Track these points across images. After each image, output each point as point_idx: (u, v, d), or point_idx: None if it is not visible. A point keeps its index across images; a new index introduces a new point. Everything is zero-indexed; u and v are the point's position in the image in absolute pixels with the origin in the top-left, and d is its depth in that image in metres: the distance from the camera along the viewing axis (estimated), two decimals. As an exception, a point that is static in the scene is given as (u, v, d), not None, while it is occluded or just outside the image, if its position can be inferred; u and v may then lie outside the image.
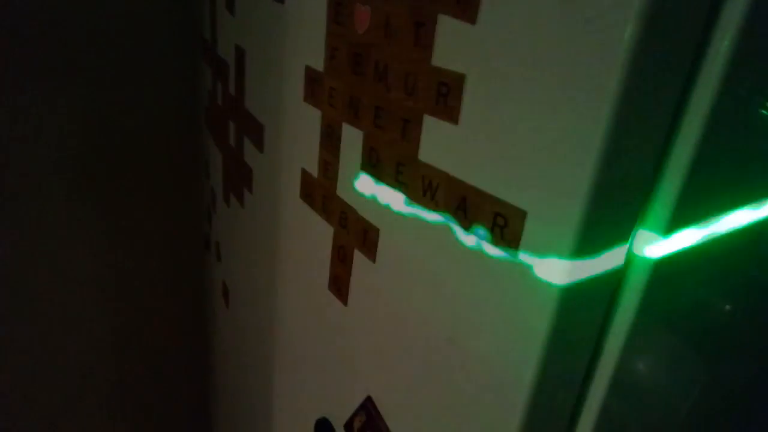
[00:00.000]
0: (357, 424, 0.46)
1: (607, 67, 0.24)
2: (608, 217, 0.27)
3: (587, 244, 0.27)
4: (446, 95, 0.33)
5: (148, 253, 1.19)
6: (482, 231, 0.31)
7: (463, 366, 0.35)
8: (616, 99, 0.24)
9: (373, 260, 0.43)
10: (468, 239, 0.32)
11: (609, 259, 0.29)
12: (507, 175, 0.30)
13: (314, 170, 0.53)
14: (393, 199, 0.40)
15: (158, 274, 1.22)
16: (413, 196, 0.37)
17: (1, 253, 1.02)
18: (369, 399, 0.46)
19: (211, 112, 0.99)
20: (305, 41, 0.51)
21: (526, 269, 0.29)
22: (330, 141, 0.49)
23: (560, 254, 0.27)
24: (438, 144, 0.35)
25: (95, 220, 1.09)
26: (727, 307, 0.37)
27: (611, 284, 0.30)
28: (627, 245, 0.29)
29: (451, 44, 0.33)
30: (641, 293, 0.29)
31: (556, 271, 0.27)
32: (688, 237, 0.30)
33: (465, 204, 0.32)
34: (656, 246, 0.29)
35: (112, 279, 1.16)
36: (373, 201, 0.43)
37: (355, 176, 0.45)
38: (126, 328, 1.21)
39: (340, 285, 0.49)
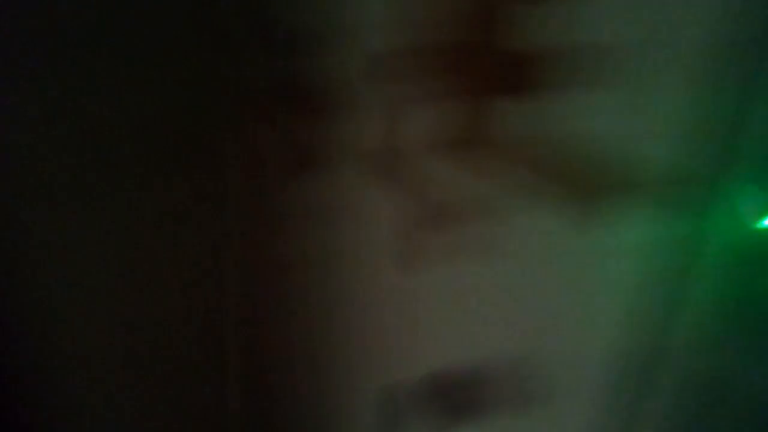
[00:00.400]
0: (423, 393, 0.48)
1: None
2: (679, 204, 0.27)
3: (662, 230, 0.27)
4: (515, 77, 0.34)
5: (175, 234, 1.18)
6: (554, 210, 0.32)
7: (531, 337, 0.36)
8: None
9: (441, 235, 0.45)
10: (538, 217, 0.33)
11: (683, 240, 0.29)
12: (580, 159, 0.30)
13: (380, 149, 0.54)
14: (461, 177, 0.41)
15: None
16: (482, 175, 0.38)
17: (14, 250, 1.06)
18: (435, 370, 0.47)
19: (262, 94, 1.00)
20: (373, 21, 0.52)
21: (602, 249, 0.30)
22: (396, 120, 0.50)
23: (636, 237, 0.28)
24: (505, 124, 0.36)
25: (106, 213, 1.11)
26: None
27: (686, 266, 0.30)
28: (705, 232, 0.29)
29: (519, 26, 0.33)
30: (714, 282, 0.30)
31: (632, 251, 0.28)
32: None
33: (536, 184, 0.33)
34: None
35: (131, 271, 1.16)
36: (440, 179, 0.44)
37: (422, 154, 0.46)
38: (143, 321, 1.23)
39: (407, 258, 0.51)
